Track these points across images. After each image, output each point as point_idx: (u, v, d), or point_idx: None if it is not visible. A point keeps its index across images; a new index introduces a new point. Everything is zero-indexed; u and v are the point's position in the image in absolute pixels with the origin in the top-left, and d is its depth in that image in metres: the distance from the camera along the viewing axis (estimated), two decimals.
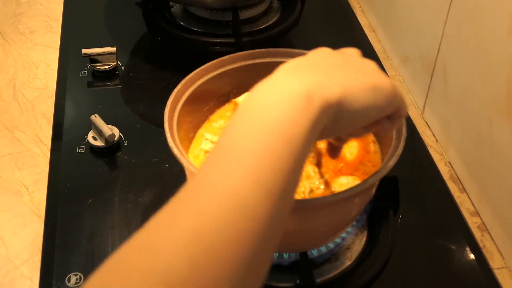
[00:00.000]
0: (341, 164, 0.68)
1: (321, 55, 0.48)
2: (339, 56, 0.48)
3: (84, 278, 0.66)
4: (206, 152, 0.69)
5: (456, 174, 0.87)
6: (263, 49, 0.72)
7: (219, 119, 0.73)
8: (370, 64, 0.49)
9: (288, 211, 0.40)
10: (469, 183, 0.84)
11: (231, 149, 0.38)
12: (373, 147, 0.70)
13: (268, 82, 0.43)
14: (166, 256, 0.33)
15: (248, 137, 0.38)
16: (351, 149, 0.69)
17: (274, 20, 1.05)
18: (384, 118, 0.50)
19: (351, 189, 0.57)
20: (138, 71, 0.98)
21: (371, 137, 0.70)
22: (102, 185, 0.77)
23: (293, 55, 0.73)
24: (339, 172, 0.67)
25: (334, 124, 0.44)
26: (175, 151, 0.58)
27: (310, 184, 0.66)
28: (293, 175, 0.39)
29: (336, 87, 0.43)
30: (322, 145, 0.70)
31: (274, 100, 0.40)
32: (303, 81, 0.41)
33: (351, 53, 0.50)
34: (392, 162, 0.58)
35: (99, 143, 0.82)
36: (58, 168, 0.81)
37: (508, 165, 0.74)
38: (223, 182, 0.36)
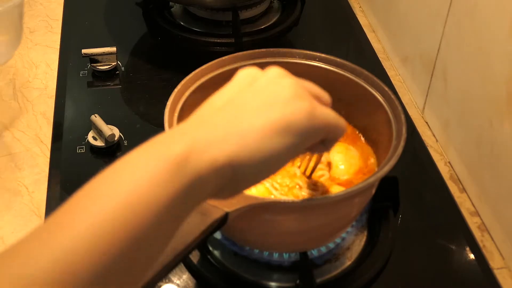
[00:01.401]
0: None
1: (236, 87, 0.44)
2: (251, 89, 0.43)
3: None
4: None
5: (456, 174, 0.87)
6: (263, 49, 0.72)
7: None
8: (287, 89, 0.43)
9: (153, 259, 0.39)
10: (469, 183, 0.84)
11: (101, 191, 0.37)
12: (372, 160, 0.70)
13: (159, 139, 0.40)
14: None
15: (115, 188, 0.37)
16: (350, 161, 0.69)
17: (274, 20, 1.05)
18: (316, 144, 0.46)
19: (351, 189, 0.57)
20: (138, 71, 0.98)
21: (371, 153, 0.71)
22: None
23: (293, 55, 0.73)
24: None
25: (234, 182, 0.40)
26: None
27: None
28: (155, 237, 0.37)
29: (227, 145, 0.39)
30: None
31: (146, 161, 0.38)
32: (188, 141, 0.38)
33: (269, 77, 0.45)
34: (392, 162, 0.58)
35: (99, 143, 0.82)
36: (58, 168, 0.81)
37: (508, 165, 0.74)
38: (81, 220, 0.36)
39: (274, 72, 0.45)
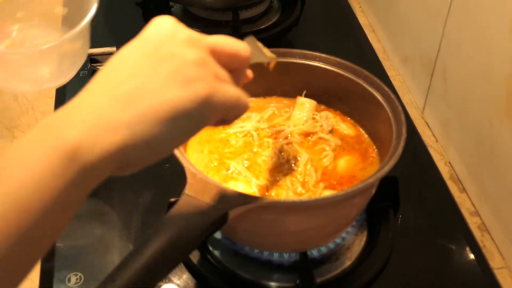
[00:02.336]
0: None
1: (141, 50, 0.42)
2: (154, 58, 0.41)
3: (84, 278, 0.66)
4: (209, 151, 0.69)
5: (456, 174, 0.87)
6: None
7: None
8: (190, 65, 0.41)
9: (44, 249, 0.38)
10: (469, 183, 0.84)
11: None
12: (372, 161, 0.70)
13: (51, 122, 0.39)
14: None
15: (3, 180, 0.36)
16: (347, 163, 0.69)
17: (274, 20, 1.05)
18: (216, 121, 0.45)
19: (351, 189, 0.57)
20: None
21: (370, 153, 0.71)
22: (102, 185, 0.77)
23: (293, 55, 0.73)
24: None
25: (123, 167, 0.40)
26: (175, 151, 0.58)
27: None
28: (46, 228, 0.37)
29: (118, 135, 0.38)
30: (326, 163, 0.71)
31: (37, 150, 0.37)
32: (80, 129, 0.37)
33: (176, 42, 0.42)
34: (392, 162, 0.58)
35: None
36: None
37: (508, 165, 0.74)
38: None
39: (183, 35, 0.42)
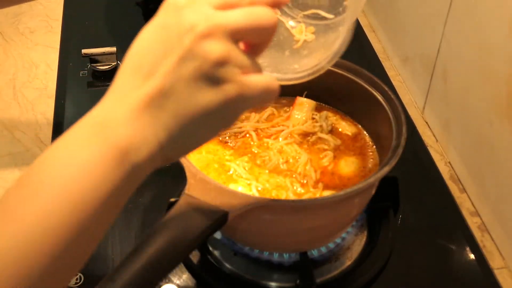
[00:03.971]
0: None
1: (148, 53, 0.42)
2: (175, 56, 0.40)
3: (84, 278, 0.66)
4: (207, 151, 0.69)
5: (456, 174, 0.87)
6: None
7: None
8: (216, 67, 0.40)
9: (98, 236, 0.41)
10: (469, 183, 0.84)
11: (44, 178, 0.39)
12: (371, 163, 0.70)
13: (100, 121, 0.41)
14: None
15: (57, 175, 0.39)
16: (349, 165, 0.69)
17: None
18: None
19: (351, 189, 0.57)
20: None
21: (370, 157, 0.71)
22: None
23: None
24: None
25: (166, 160, 0.42)
26: None
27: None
28: (97, 226, 0.40)
29: (159, 137, 0.40)
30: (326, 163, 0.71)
31: (90, 144, 0.39)
32: (129, 132, 0.40)
33: (196, 36, 0.40)
34: (392, 162, 0.58)
35: None
36: None
37: (508, 165, 0.74)
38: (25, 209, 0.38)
39: (203, 26, 0.40)
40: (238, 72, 0.41)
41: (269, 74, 0.45)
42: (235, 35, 0.41)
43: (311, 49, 0.59)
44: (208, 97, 0.40)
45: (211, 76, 0.40)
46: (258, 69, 0.43)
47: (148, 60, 0.41)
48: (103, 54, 0.95)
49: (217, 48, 0.40)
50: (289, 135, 0.71)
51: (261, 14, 0.42)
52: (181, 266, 0.68)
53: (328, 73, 0.72)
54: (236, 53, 0.41)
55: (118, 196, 0.40)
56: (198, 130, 0.42)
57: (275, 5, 0.44)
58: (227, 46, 0.40)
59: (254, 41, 0.43)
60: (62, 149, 0.40)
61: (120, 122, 0.40)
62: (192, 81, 0.40)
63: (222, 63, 0.40)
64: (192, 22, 0.40)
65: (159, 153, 0.40)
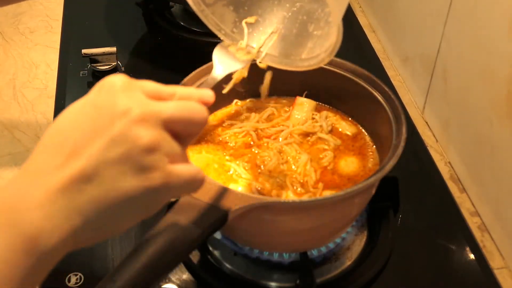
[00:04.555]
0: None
1: (76, 128, 0.40)
2: (104, 139, 0.38)
3: (84, 278, 0.66)
4: (207, 151, 0.69)
5: (456, 174, 0.87)
6: None
7: (220, 119, 0.74)
8: (143, 154, 0.39)
9: None
10: (469, 183, 0.84)
11: None
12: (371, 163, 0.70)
13: (8, 204, 0.38)
14: None
15: None
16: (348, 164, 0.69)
17: None
18: None
19: (351, 189, 0.57)
20: (138, 71, 0.98)
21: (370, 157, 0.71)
22: None
23: None
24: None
25: (79, 244, 0.40)
26: None
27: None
28: None
29: (71, 222, 0.38)
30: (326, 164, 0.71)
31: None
32: (39, 218, 0.37)
33: (129, 121, 0.39)
34: (392, 162, 0.58)
35: None
36: None
37: (508, 165, 0.74)
38: None
39: (137, 112, 0.39)
40: (166, 160, 0.40)
41: (194, 166, 0.44)
42: (168, 125, 0.41)
43: (315, 41, 0.61)
44: (132, 183, 0.39)
45: (138, 162, 0.39)
46: (185, 159, 0.43)
47: (74, 138, 0.39)
48: (103, 54, 0.95)
49: (148, 134, 0.39)
50: (289, 135, 0.71)
51: (194, 108, 0.43)
52: (181, 266, 0.68)
53: (328, 73, 0.72)
54: (167, 141, 0.41)
55: (28, 283, 0.37)
56: (117, 217, 0.40)
57: (204, 104, 0.44)
58: (159, 133, 0.40)
59: (184, 132, 0.43)
60: None
61: (32, 206, 0.37)
62: (118, 165, 0.38)
63: (151, 149, 0.39)
64: (127, 106, 0.39)
65: (71, 238, 0.38)
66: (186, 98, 0.44)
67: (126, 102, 0.40)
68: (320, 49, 0.60)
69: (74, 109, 0.41)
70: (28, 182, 0.38)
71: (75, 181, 0.38)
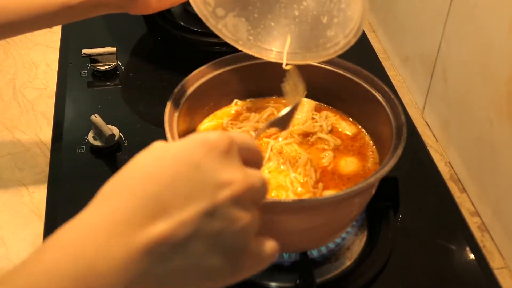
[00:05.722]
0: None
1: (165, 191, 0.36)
2: (201, 203, 0.36)
3: None
4: None
5: (456, 174, 0.87)
6: None
7: (220, 119, 0.74)
8: (237, 242, 0.38)
9: None
10: (469, 183, 0.84)
11: None
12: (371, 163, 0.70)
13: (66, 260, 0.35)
14: None
15: None
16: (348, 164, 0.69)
17: None
18: None
19: (351, 189, 0.57)
20: (138, 71, 0.98)
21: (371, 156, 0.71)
22: (102, 185, 0.77)
23: None
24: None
25: None
26: None
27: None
28: None
29: None
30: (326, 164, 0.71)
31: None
32: None
33: (227, 212, 0.37)
34: (392, 162, 0.58)
35: (99, 143, 0.82)
36: (58, 168, 0.81)
37: (508, 165, 0.74)
38: None
39: (238, 187, 0.37)
40: (252, 246, 0.40)
41: (273, 243, 0.44)
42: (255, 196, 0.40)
43: (334, 29, 0.64)
44: (219, 263, 0.37)
45: (231, 243, 0.37)
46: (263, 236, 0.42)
47: (166, 194, 0.35)
48: (103, 54, 0.95)
49: (246, 216, 0.38)
50: (289, 135, 0.71)
51: (266, 180, 0.42)
52: None
53: (328, 73, 0.72)
54: (257, 221, 0.40)
55: None
56: (190, 287, 0.37)
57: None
58: (253, 215, 0.39)
59: (259, 201, 0.42)
60: (35, 275, 0.34)
61: (113, 272, 0.34)
62: (210, 240, 0.36)
63: (245, 232, 0.38)
64: (230, 179, 0.37)
65: None
66: (259, 156, 0.43)
67: (230, 172, 0.37)
68: (342, 34, 0.62)
69: (168, 158, 0.37)
70: (107, 235, 0.35)
71: (162, 244, 0.35)
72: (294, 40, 0.65)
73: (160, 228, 0.34)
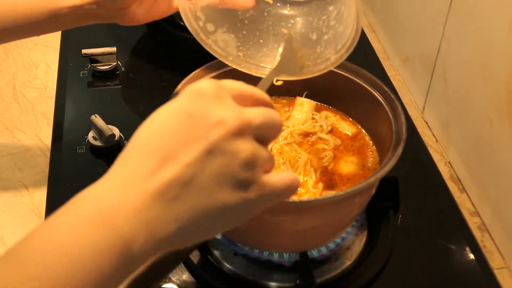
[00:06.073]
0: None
1: (169, 137, 0.39)
2: (202, 153, 0.39)
3: None
4: None
5: (456, 174, 0.87)
6: None
7: None
8: (241, 166, 0.40)
9: None
10: (469, 183, 0.84)
11: (38, 259, 0.36)
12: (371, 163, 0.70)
13: (106, 210, 0.38)
14: None
15: (53, 262, 0.36)
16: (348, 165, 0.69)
17: None
18: None
19: (351, 189, 0.57)
20: (138, 71, 0.98)
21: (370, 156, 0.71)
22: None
23: None
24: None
25: (169, 248, 0.41)
26: None
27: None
28: None
29: (167, 230, 0.38)
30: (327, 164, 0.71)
31: (93, 236, 0.37)
32: (136, 226, 0.37)
33: (226, 134, 0.39)
34: (392, 162, 0.58)
35: (99, 143, 0.82)
36: (58, 168, 0.81)
37: (508, 165, 0.74)
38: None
39: (233, 123, 0.40)
40: (261, 172, 0.41)
41: (289, 173, 0.45)
42: (257, 132, 0.42)
43: (324, 45, 0.66)
44: (230, 196, 0.40)
45: (236, 176, 0.39)
46: (273, 162, 0.44)
47: (167, 144, 0.39)
48: (103, 54, 0.95)
49: (246, 148, 0.40)
50: (289, 135, 0.71)
51: (275, 114, 0.44)
52: (181, 266, 0.68)
53: (328, 73, 0.72)
54: (261, 152, 0.42)
55: (113, 282, 0.38)
56: (210, 225, 0.41)
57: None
58: (254, 145, 0.41)
59: (267, 137, 0.44)
60: (61, 233, 0.37)
61: (130, 213, 0.37)
62: (216, 176, 0.39)
63: (249, 163, 0.40)
64: (221, 117, 0.40)
65: (164, 244, 0.39)
66: (262, 100, 0.45)
67: (220, 112, 0.40)
68: (334, 50, 0.62)
69: (165, 114, 0.41)
70: (123, 185, 0.39)
71: (173, 186, 0.38)
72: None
73: (168, 172, 0.38)
